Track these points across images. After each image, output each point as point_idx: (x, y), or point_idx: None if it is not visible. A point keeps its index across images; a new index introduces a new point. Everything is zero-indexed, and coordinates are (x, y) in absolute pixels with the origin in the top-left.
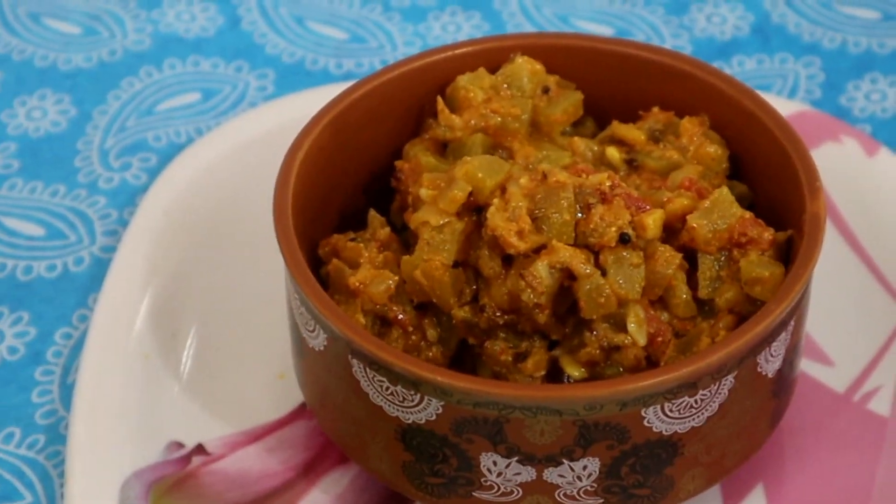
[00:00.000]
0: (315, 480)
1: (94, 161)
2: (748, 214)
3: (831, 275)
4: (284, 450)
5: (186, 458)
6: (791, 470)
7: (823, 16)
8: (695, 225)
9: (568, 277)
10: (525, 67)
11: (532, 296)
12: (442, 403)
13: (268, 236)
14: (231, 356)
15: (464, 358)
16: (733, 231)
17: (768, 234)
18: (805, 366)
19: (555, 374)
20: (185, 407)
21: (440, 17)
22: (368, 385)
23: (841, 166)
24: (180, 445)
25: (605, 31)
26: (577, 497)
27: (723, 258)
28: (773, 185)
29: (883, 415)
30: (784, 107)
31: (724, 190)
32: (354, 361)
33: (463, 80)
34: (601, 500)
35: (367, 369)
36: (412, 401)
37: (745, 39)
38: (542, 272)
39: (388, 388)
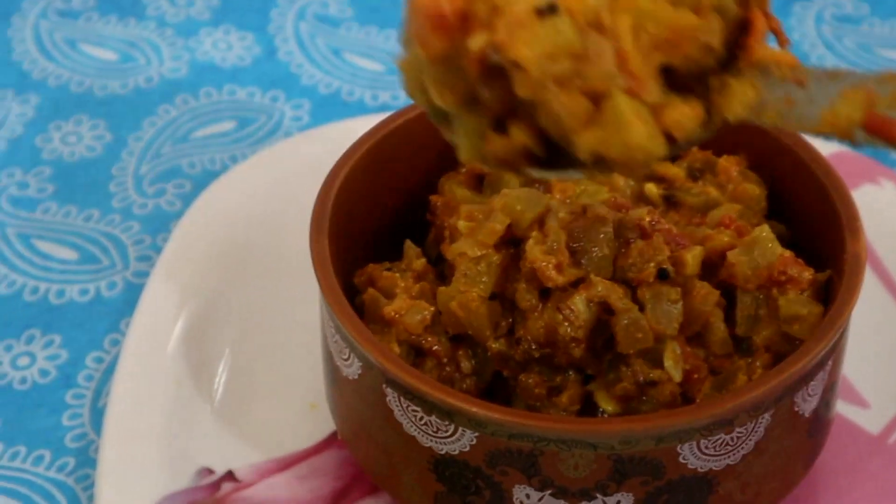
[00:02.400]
0: None
1: (129, 187)
2: (788, 253)
3: (867, 316)
4: (315, 479)
5: (216, 485)
6: None
7: (862, 58)
8: (734, 262)
9: (605, 312)
10: None
11: (569, 329)
12: (476, 434)
13: (301, 265)
14: (263, 384)
15: (497, 390)
16: (773, 269)
17: (808, 273)
18: (840, 407)
19: (589, 409)
20: (215, 433)
21: None
22: (402, 415)
23: (879, 208)
24: (210, 471)
25: None
26: None
27: (761, 297)
28: (812, 224)
29: None
30: (822, 148)
31: (766, 228)
32: (389, 391)
33: None
34: None
35: (402, 399)
36: (446, 431)
37: None
38: (579, 306)
39: (422, 418)
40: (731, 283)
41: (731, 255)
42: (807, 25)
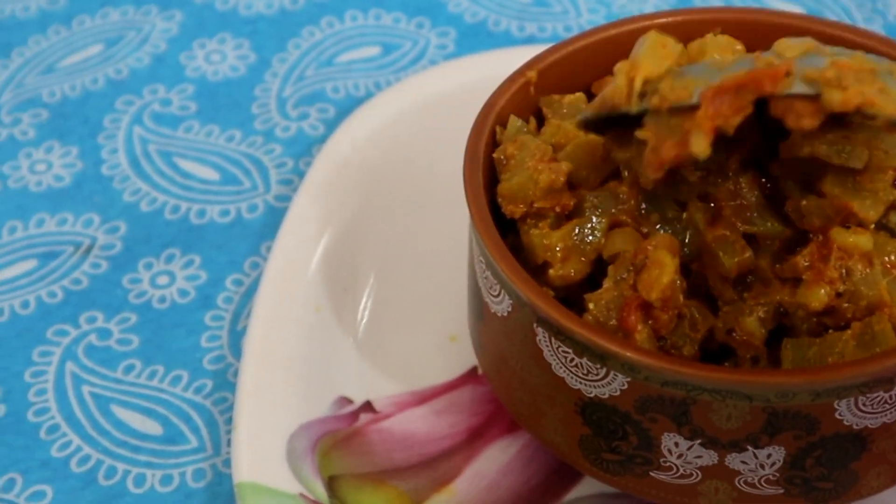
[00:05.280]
0: (482, 447)
1: (272, 108)
2: None
3: None
4: (452, 414)
5: (354, 415)
6: None
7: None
8: None
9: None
10: (725, 45)
11: (746, 351)
12: (628, 379)
13: (444, 196)
14: (403, 315)
15: None
16: None
17: None
18: None
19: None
20: (354, 362)
21: None
22: (552, 355)
23: None
24: (349, 401)
25: (796, 10)
26: (758, 485)
27: None
28: None
29: None
30: None
31: None
32: (539, 330)
33: None
34: (781, 491)
35: (553, 339)
36: (597, 374)
37: None
38: (752, 326)
39: (572, 360)
40: None
41: None
42: None
